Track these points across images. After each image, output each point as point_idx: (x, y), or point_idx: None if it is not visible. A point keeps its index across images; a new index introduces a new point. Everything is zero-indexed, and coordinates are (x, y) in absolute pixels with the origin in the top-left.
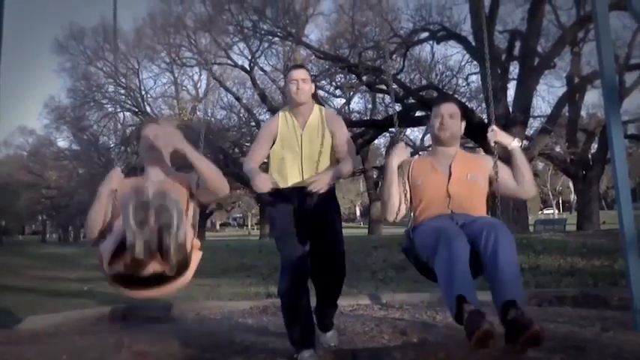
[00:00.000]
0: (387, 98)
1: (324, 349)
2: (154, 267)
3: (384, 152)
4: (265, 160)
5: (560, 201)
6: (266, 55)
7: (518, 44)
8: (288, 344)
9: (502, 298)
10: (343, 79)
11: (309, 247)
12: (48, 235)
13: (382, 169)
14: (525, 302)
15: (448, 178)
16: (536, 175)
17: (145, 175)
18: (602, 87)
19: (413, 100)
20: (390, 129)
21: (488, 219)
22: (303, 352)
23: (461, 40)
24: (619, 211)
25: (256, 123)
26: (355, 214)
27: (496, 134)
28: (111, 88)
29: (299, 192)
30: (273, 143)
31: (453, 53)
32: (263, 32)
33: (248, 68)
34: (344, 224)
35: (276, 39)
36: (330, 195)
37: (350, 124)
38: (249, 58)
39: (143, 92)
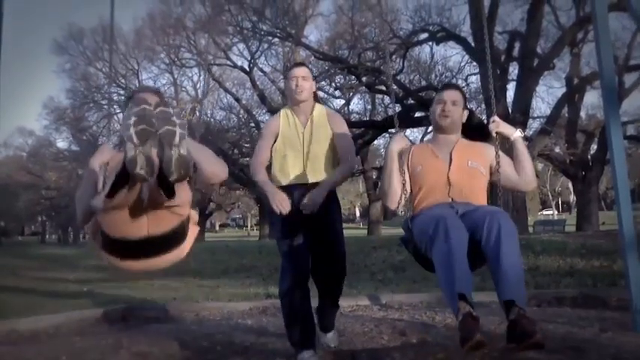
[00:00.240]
0: (387, 99)
1: (324, 349)
2: (153, 195)
3: (383, 153)
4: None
5: (560, 202)
6: (265, 55)
7: (517, 45)
8: (288, 345)
9: (505, 297)
10: (343, 80)
11: (310, 247)
12: (47, 236)
13: (382, 169)
14: (525, 298)
15: (449, 165)
16: (535, 175)
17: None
18: (601, 88)
19: (412, 101)
20: (389, 130)
21: (490, 208)
22: (303, 352)
23: (460, 41)
24: (618, 212)
25: (256, 124)
26: (355, 214)
27: (498, 125)
28: (111, 89)
29: (301, 189)
30: (275, 141)
31: (452, 54)
32: (262, 33)
33: (247, 69)
34: (343, 225)
35: (276, 40)
36: (332, 195)
37: (349, 124)
38: (249, 58)
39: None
